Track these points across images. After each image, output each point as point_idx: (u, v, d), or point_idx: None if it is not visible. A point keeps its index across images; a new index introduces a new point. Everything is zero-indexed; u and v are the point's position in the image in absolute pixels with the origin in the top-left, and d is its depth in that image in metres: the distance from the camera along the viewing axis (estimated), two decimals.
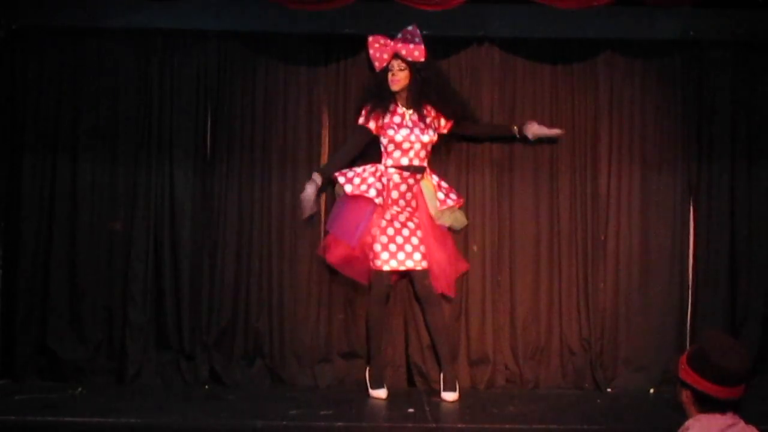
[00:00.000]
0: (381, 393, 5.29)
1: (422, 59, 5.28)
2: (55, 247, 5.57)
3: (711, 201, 5.68)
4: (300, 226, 5.59)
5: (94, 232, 5.60)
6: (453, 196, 5.46)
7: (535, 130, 5.47)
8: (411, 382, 5.57)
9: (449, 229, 5.49)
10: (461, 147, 5.61)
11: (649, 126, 5.70)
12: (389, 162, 5.31)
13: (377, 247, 5.24)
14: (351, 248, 5.30)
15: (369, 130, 5.34)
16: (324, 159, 5.65)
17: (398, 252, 5.23)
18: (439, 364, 5.37)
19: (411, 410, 4.97)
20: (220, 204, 5.62)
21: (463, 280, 5.60)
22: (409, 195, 5.32)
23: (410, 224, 5.30)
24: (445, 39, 5.59)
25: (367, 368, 5.40)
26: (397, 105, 5.35)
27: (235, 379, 5.53)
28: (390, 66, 5.30)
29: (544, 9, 5.10)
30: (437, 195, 5.39)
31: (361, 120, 5.36)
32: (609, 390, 5.55)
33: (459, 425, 4.68)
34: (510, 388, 5.49)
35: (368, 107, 5.34)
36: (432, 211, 5.36)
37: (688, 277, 5.68)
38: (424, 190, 5.38)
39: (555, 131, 5.49)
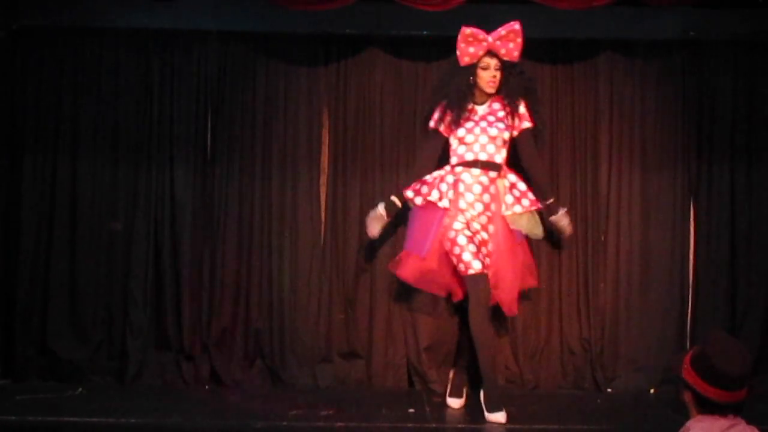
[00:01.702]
0: (455, 403, 5.08)
1: (517, 60, 4.96)
2: (55, 247, 5.57)
3: (711, 201, 5.68)
4: (300, 226, 5.60)
5: (94, 232, 5.60)
6: (526, 202, 4.97)
7: (563, 223, 5.16)
8: (411, 382, 5.57)
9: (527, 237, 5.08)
10: None
11: (649, 126, 5.70)
12: (454, 160, 4.97)
13: (461, 253, 4.78)
14: (422, 259, 4.92)
15: (441, 134, 5.03)
16: (324, 159, 5.66)
17: (479, 252, 4.79)
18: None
19: (411, 410, 4.97)
20: (220, 204, 5.62)
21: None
22: (486, 197, 4.89)
23: (483, 234, 4.87)
24: (445, 39, 5.58)
25: (451, 372, 5.18)
26: (472, 103, 5.00)
27: (235, 379, 5.52)
28: (484, 64, 4.91)
29: (544, 9, 5.11)
30: (505, 198, 4.95)
31: (432, 123, 5.06)
32: (609, 390, 5.55)
33: (459, 425, 4.67)
34: (510, 388, 5.48)
35: (442, 106, 4.99)
36: (509, 220, 4.94)
37: (688, 277, 5.68)
38: (501, 191, 4.96)
39: (567, 231, 5.21)
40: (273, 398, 5.25)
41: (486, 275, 4.75)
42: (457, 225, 4.84)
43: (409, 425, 4.70)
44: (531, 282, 5.20)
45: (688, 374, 2.57)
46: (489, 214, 4.88)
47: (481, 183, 4.89)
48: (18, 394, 5.16)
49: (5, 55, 5.53)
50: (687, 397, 2.60)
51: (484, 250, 4.81)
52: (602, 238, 5.64)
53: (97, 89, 5.61)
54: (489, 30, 4.96)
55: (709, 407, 2.54)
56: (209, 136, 5.65)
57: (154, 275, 5.58)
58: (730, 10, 5.52)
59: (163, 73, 5.62)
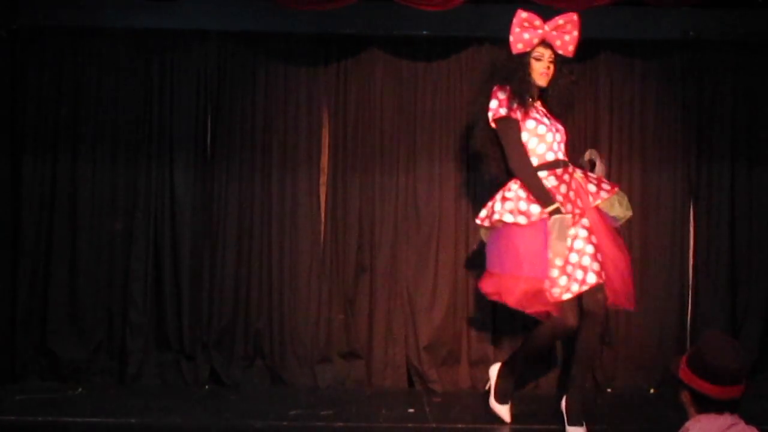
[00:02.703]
0: (504, 411, 4.71)
1: (572, 56, 4.54)
2: (55, 247, 5.57)
3: (711, 200, 5.68)
4: (300, 226, 5.59)
5: (94, 232, 5.60)
6: (605, 185, 4.62)
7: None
8: (411, 382, 5.57)
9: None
10: (463, 140, 5.59)
11: (649, 126, 5.70)
12: (534, 161, 4.47)
13: (553, 272, 4.33)
14: (539, 281, 4.33)
15: (518, 121, 4.44)
16: (324, 159, 5.65)
17: (576, 270, 4.35)
18: (562, 389, 4.80)
19: (411, 410, 4.97)
20: (220, 204, 5.62)
21: (464, 280, 5.59)
22: (572, 195, 4.44)
23: (581, 232, 4.41)
24: (445, 39, 5.59)
25: (499, 370, 4.76)
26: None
27: (235, 379, 5.52)
28: (538, 54, 4.47)
29: (543, 9, 5.09)
30: (588, 188, 4.54)
31: (503, 111, 4.45)
32: (609, 390, 5.55)
33: (459, 425, 4.67)
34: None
35: (508, 95, 4.44)
36: (601, 204, 4.54)
37: (688, 276, 5.68)
38: (582, 183, 4.53)
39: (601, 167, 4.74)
40: (273, 398, 5.25)
41: (566, 303, 4.35)
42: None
43: (409, 425, 4.71)
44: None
45: (684, 374, 2.59)
46: (578, 211, 4.43)
47: (564, 182, 4.46)
48: (18, 393, 5.17)
49: (5, 55, 5.53)
50: (685, 397, 2.61)
51: (585, 259, 4.36)
52: None
53: (97, 89, 5.60)
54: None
55: (706, 405, 2.55)
56: (209, 136, 5.64)
57: (154, 275, 5.58)
58: (730, 10, 5.52)
59: (163, 73, 5.62)
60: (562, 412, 4.55)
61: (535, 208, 4.34)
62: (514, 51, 4.47)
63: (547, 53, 4.47)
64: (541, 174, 4.42)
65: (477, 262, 5.59)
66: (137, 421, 4.68)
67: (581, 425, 4.49)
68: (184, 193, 5.60)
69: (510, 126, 4.45)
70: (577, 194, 4.47)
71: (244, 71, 5.64)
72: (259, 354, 5.60)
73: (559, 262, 4.31)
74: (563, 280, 4.32)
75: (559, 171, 4.47)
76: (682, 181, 5.68)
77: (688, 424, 2.59)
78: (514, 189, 4.43)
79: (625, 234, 5.56)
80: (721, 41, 5.64)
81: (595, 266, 4.36)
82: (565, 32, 4.47)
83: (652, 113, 5.70)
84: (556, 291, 4.32)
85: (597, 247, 4.40)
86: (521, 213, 4.35)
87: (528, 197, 4.37)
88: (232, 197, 5.62)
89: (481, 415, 4.79)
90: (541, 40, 4.46)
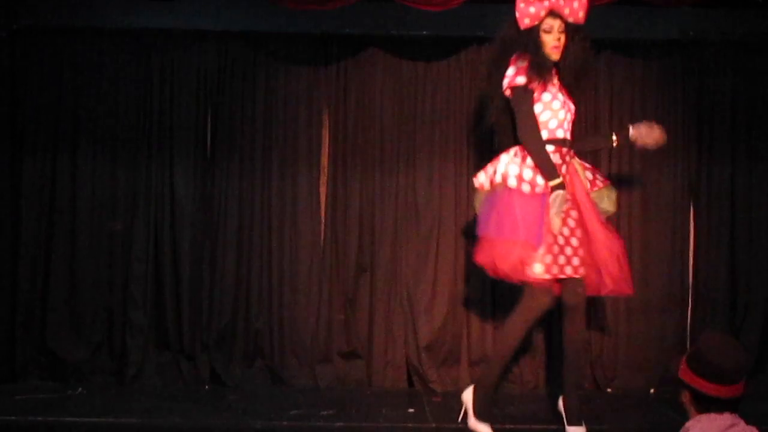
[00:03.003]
0: (486, 429, 4.42)
1: (583, 23, 4.33)
2: (55, 247, 5.58)
3: (711, 200, 5.69)
4: (300, 226, 5.60)
5: (94, 232, 5.60)
6: (600, 177, 4.61)
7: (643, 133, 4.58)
8: (411, 382, 5.57)
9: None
10: (463, 140, 5.60)
11: None
12: (544, 134, 4.33)
13: (540, 249, 4.25)
14: (533, 249, 4.24)
15: (534, 92, 4.30)
16: (324, 159, 5.66)
17: (559, 256, 4.28)
18: (561, 388, 4.65)
19: (411, 410, 4.97)
20: (220, 204, 5.63)
21: (463, 280, 5.59)
22: (567, 178, 4.36)
23: (570, 221, 4.32)
24: (445, 39, 5.59)
25: (473, 390, 4.48)
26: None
27: (235, 379, 5.53)
28: (547, 26, 4.26)
29: None
30: (586, 175, 4.51)
31: (519, 80, 4.28)
32: (609, 390, 5.56)
33: (459, 426, 4.66)
34: (510, 388, 5.49)
35: (528, 64, 4.26)
36: (593, 195, 4.48)
37: (688, 276, 5.69)
38: (578, 170, 4.48)
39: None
40: (273, 398, 5.26)
41: (582, 280, 4.33)
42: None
43: (409, 425, 4.71)
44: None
45: (684, 373, 2.59)
46: (569, 196, 4.32)
47: (566, 162, 4.40)
48: (18, 394, 5.17)
49: (5, 55, 5.53)
50: (685, 397, 2.61)
51: (567, 249, 4.28)
52: None
53: (96, 89, 5.61)
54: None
55: (706, 404, 2.55)
56: (209, 136, 5.65)
57: (154, 275, 5.58)
58: (729, 10, 5.52)
59: (163, 73, 5.62)
60: (560, 413, 4.54)
61: (540, 179, 4.26)
62: (522, 27, 4.27)
63: (556, 24, 4.26)
64: (548, 148, 4.31)
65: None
66: (138, 421, 4.69)
67: (581, 424, 4.47)
68: (184, 193, 5.61)
69: (525, 95, 4.30)
70: (571, 179, 4.39)
71: (244, 71, 5.64)
72: (259, 354, 5.60)
73: (550, 239, 4.24)
74: (548, 259, 4.25)
75: (564, 150, 4.38)
76: (682, 180, 5.69)
77: (688, 423, 2.59)
78: (520, 155, 4.33)
79: (625, 233, 5.59)
80: (720, 41, 5.64)
81: (576, 261, 4.30)
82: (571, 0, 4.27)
83: (652, 112, 5.68)
84: (538, 268, 4.25)
85: (581, 242, 4.33)
86: (525, 181, 4.28)
87: (534, 167, 4.28)
88: (232, 197, 5.62)
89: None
90: (549, 11, 4.25)
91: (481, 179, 4.49)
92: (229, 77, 5.64)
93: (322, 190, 5.67)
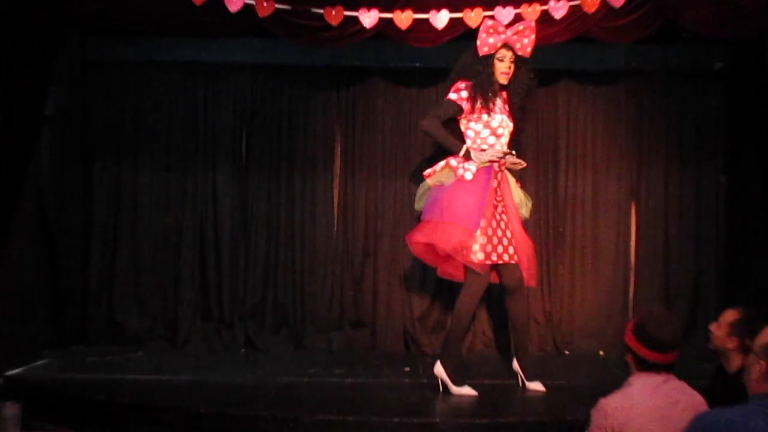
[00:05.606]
0: (467, 390, 4.28)
1: (529, 57, 4.34)
2: (120, 239, 5.58)
3: (649, 200, 5.68)
4: (317, 220, 5.59)
5: (152, 226, 5.60)
6: (523, 188, 4.62)
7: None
8: (407, 346, 5.56)
9: None
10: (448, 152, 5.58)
11: (599, 139, 5.70)
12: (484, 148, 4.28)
13: (482, 239, 4.20)
14: (470, 234, 4.16)
15: (460, 108, 4.28)
16: (337, 167, 5.65)
17: (498, 245, 4.22)
18: (510, 351, 4.61)
19: (407, 369, 4.96)
20: (252, 203, 5.63)
21: None
22: (495, 183, 4.31)
23: (504, 217, 4.27)
24: (435, 69, 5.54)
25: (442, 365, 4.32)
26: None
27: (265, 344, 5.51)
28: (501, 56, 4.27)
29: None
30: (510, 181, 4.42)
31: (453, 96, 4.29)
32: (567, 352, 5.55)
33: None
34: (487, 352, 5.48)
35: (469, 88, 4.26)
36: (516, 200, 4.42)
37: (630, 261, 5.68)
38: (509, 179, 4.41)
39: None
40: (295, 359, 5.25)
41: (518, 266, 4.29)
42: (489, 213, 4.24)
43: (406, 381, 4.70)
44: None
45: (630, 340, 2.59)
46: (499, 199, 4.30)
47: (501, 171, 4.34)
48: (90, 356, 5.17)
49: (79, 84, 5.52)
50: (629, 358, 2.61)
51: (504, 240, 4.23)
52: (561, 230, 5.63)
53: (153, 110, 5.61)
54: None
55: (646, 366, 2.55)
56: (244, 148, 5.64)
57: (199, 260, 5.58)
58: (666, 45, 5.50)
59: (206, 97, 5.62)
60: (516, 372, 4.48)
61: (474, 166, 4.22)
62: (480, 53, 4.28)
63: (508, 54, 4.29)
64: (484, 157, 4.24)
65: None
66: (186, 377, 4.68)
67: (537, 379, 4.43)
68: (224, 194, 5.61)
69: (450, 104, 4.30)
70: (503, 187, 4.33)
71: (272, 96, 5.64)
72: (284, 324, 5.59)
73: (489, 231, 4.18)
74: (488, 248, 4.19)
75: (502, 161, 4.29)
76: (626, 184, 5.67)
77: (630, 379, 2.59)
78: (461, 156, 4.28)
79: (579, 227, 5.60)
80: (658, 70, 5.63)
81: (510, 250, 4.25)
82: (524, 36, 4.29)
83: (601, 129, 5.69)
84: (480, 255, 4.19)
85: (513, 234, 4.28)
86: (466, 170, 4.24)
87: (470, 161, 4.24)
88: (263, 197, 5.62)
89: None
90: (504, 44, 4.27)
91: (429, 171, 4.42)
92: (259, 101, 5.64)
93: (335, 191, 5.66)
